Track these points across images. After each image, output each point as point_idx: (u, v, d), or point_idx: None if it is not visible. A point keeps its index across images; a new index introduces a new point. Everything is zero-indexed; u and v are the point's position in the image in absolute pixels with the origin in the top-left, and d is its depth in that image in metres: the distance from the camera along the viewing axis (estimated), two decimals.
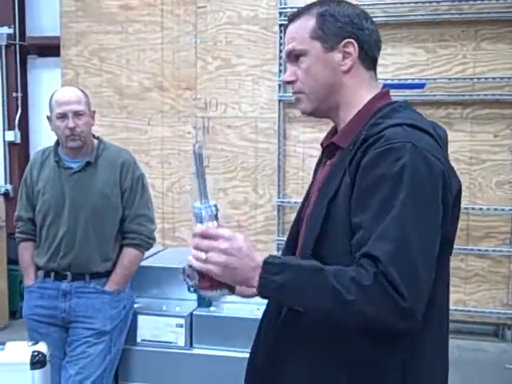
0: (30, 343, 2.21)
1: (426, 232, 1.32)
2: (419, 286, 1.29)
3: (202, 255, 1.34)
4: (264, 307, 1.65)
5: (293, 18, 1.55)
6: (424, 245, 1.31)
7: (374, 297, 1.27)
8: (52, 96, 2.88)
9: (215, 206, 1.40)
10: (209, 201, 1.39)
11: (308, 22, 1.50)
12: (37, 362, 2.09)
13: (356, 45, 1.49)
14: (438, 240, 1.36)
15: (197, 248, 1.36)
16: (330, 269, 1.31)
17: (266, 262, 1.33)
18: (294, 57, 1.53)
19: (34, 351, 2.12)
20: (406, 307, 1.27)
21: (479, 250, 4.93)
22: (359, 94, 1.52)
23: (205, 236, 1.35)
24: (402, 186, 1.31)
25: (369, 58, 1.53)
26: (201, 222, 1.38)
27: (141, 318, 3.09)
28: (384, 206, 1.31)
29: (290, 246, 1.61)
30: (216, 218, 1.39)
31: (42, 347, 2.16)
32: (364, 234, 1.32)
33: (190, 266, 1.37)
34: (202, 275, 1.36)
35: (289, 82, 1.56)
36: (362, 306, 1.28)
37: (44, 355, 2.11)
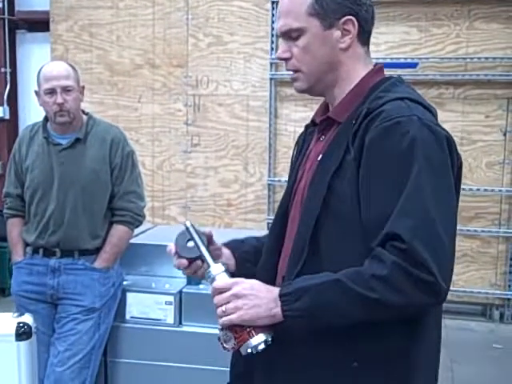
0: (16, 314, 2.20)
1: (444, 203, 1.32)
2: (446, 257, 1.30)
3: (223, 308, 1.37)
4: None
5: None
6: (444, 216, 1.31)
7: (397, 283, 1.27)
8: (40, 70, 2.84)
9: (222, 264, 1.44)
10: (214, 264, 1.44)
11: None
12: (22, 333, 2.08)
13: (356, 22, 1.46)
14: (456, 211, 1.37)
15: (217, 305, 1.38)
16: (346, 275, 1.31)
17: (281, 295, 1.35)
18: (290, 34, 1.48)
19: (19, 323, 2.11)
20: (433, 281, 1.26)
21: (468, 230, 4.95)
22: (355, 70, 1.50)
23: (217, 292, 1.39)
24: (414, 160, 1.31)
25: (365, 34, 1.50)
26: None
27: (130, 295, 3.09)
28: (399, 182, 1.31)
29: (280, 223, 1.59)
30: (227, 272, 1.42)
31: (28, 319, 2.15)
32: (381, 212, 1.31)
33: (222, 329, 1.40)
34: (235, 331, 1.38)
35: (283, 59, 1.51)
36: (389, 299, 1.28)
37: (30, 326, 2.10)
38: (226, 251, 1.67)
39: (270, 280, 1.51)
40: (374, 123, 1.36)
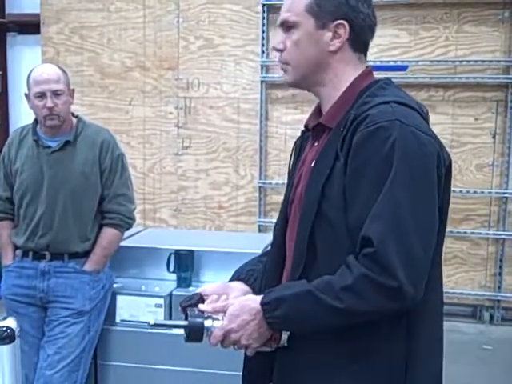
0: None
1: (420, 208, 1.34)
2: (415, 261, 1.32)
3: (235, 347, 1.49)
4: None
5: None
6: (419, 221, 1.33)
7: (361, 292, 1.31)
8: (30, 73, 2.84)
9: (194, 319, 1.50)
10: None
11: None
12: (5, 337, 2.06)
13: (348, 27, 1.49)
14: (435, 216, 1.38)
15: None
16: (317, 285, 1.36)
17: (263, 304, 1.43)
18: (287, 27, 1.53)
19: (2, 326, 2.09)
20: (396, 286, 1.29)
21: (458, 232, 4.98)
22: (345, 75, 1.52)
23: (218, 342, 1.47)
24: (393, 165, 1.33)
25: (359, 41, 1.53)
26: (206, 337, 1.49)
27: (120, 298, 3.09)
28: (377, 186, 1.33)
29: (281, 227, 1.62)
30: (206, 318, 1.49)
31: (11, 322, 2.13)
32: (360, 215, 1.34)
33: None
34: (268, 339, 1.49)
35: (277, 50, 1.56)
36: (354, 307, 1.32)
37: (13, 330, 2.08)
38: (238, 285, 1.67)
39: (276, 284, 1.56)
40: (360, 128, 1.38)
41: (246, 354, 1.57)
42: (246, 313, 1.44)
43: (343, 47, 1.50)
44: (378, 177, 1.34)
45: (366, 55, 1.57)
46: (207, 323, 1.47)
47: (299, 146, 1.68)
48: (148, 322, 1.54)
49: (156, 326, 1.57)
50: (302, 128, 1.68)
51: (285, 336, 1.48)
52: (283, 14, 1.54)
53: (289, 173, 1.68)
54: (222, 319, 1.47)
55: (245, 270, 1.73)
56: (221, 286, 1.66)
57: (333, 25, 1.48)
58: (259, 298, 1.44)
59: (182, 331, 1.52)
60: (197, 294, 1.61)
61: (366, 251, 1.31)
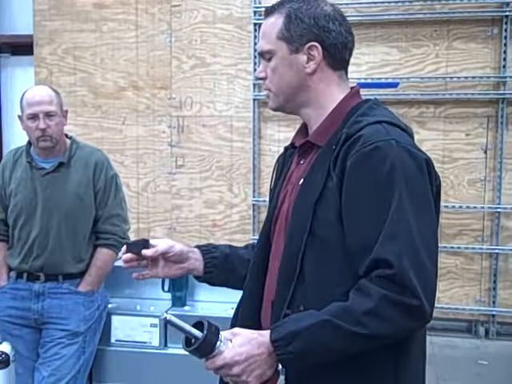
0: None
1: (426, 227, 1.35)
2: (430, 280, 1.33)
3: (233, 380, 1.40)
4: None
5: (268, 13, 1.58)
6: (427, 239, 1.34)
7: (384, 314, 1.30)
8: (23, 95, 2.86)
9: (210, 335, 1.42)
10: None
11: (277, 22, 1.53)
12: (0, 361, 2.06)
13: (320, 48, 1.52)
14: (437, 233, 1.41)
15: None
16: (333, 313, 1.32)
17: (273, 340, 1.36)
18: (263, 55, 1.57)
19: None
20: (419, 305, 1.29)
21: (452, 247, 4.98)
22: (329, 94, 1.54)
23: (215, 369, 1.40)
24: (395, 185, 1.34)
25: (336, 59, 1.55)
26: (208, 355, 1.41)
27: (115, 319, 3.09)
28: (381, 208, 1.33)
29: (264, 245, 1.61)
30: (214, 347, 1.40)
31: (6, 347, 2.14)
32: (365, 237, 1.34)
33: None
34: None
35: (260, 78, 1.60)
36: (379, 330, 1.30)
37: (7, 355, 2.09)
38: (196, 252, 1.71)
39: (255, 302, 1.55)
40: (354, 148, 1.38)
41: (221, 378, 1.54)
42: (253, 347, 1.37)
43: (320, 67, 1.53)
44: (380, 197, 1.34)
45: (346, 72, 1.59)
46: (217, 344, 1.39)
47: (281, 164, 1.68)
48: (164, 316, 1.44)
49: (169, 323, 1.45)
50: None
51: (282, 377, 1.42)
52: (259, 44, 1.59)
53: (271, 190, 1.68)
54: (228, 346, 1.39)
55: (210, 246, 1.75)
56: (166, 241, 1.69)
57: (305, 47, 1.51)
58: (266, 333, 1.38)
59: (179, 343, 1.46)
60: (143, 239, 1.67)
61: (383, 273, 1.30)
